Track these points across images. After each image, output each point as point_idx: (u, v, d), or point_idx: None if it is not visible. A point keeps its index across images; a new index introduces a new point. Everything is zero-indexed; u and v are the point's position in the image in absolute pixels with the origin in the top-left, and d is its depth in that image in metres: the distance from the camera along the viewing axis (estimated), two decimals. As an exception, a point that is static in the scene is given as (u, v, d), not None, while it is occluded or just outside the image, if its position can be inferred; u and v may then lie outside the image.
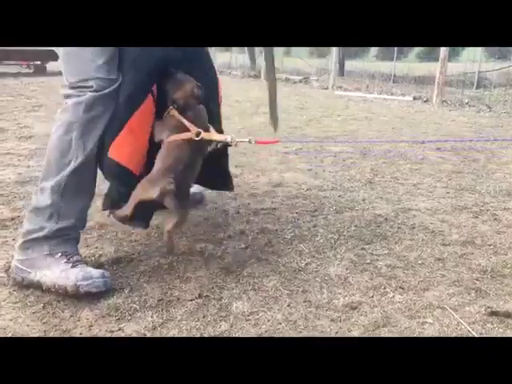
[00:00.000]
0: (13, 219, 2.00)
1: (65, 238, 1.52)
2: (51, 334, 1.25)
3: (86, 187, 1.58)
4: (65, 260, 1.48)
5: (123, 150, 1.56)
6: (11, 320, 1.31)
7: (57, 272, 1.44)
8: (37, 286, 1.46)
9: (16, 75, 8.73)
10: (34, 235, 1.49)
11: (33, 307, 1.37)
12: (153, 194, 1.50)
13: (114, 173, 1.60)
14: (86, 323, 1.31)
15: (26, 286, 1.47)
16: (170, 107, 1.63)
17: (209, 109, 1.73)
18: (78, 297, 1.41)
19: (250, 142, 1.72)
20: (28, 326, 1.29)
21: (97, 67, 1.50)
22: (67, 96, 1.56)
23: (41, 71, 9.60)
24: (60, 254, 1.49)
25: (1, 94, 6.11)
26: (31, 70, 9.90)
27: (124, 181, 1.60)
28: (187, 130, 1.59)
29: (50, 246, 1.49)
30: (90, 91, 1.50)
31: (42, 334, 1.25)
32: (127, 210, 1.55)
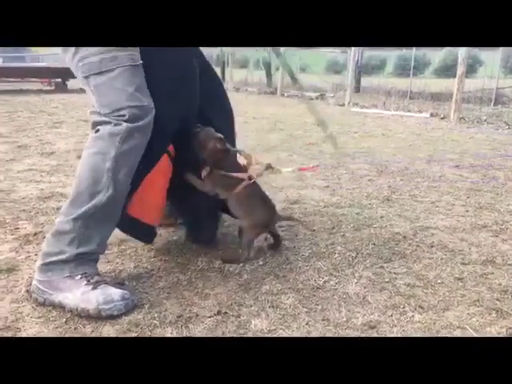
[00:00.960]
0: (35, 234, 2.04)
1: (84, 260, 1.52)
2: (73, 349, 1.27)
3: (112, 218, 1.58)
4: (85, 282, 1.48)
5: (142, 207, 1.69)
6: (34, 335, 1.33)
7: (78, 294, 1.45)
8: (59, 307, 1.47)
9: (37, 92, 8.95)
10: (54, 258, 1.50)
11: (55, 322, 1.40)
12: (264, 231, 1.91)
13: (133, 228, 1.74)
14: (107, 339, 1.32)
15: (49, 306, 1.48)
16: (206, 168, 1.78)
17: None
18: (101, 319, 1.43)
19: (293, 171, 1.91)
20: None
21: (128, 96, 1.50)
22: (99, 123, 1.54)
23: (61, 88, 9.82)
24: (80, 276, 1.49)
25: (23, 111, 6.27)
26: (52, 88, 10.14)
27: (142, 234, 1.77)
28: (236, 178, 1.77)
29: (69, 268, 1.50)
30: (125, 121, 1.50)
31: (64, 349, 1.27)
32: (250, 254, 1.83)
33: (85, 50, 1.50)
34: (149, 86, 1.57)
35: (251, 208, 1.82)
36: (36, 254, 1.86)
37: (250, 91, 12.91)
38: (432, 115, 7.82)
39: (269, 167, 1.86)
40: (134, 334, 1.34)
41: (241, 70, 17.29)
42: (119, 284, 1.60)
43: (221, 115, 1.90)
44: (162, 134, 1.63)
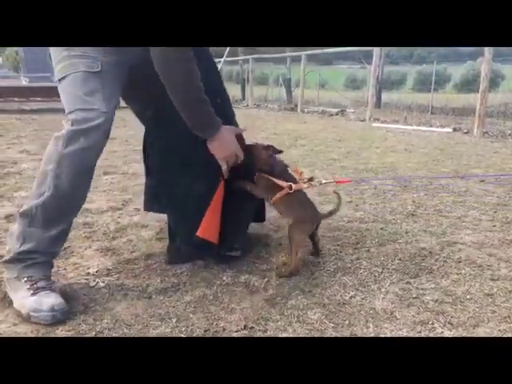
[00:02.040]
0: (63, 249, 2.07)
1: (32, 262, 1.57)
2: (103, 362, 1.29)
3: (57, 218, 1.59)
4: (28, 286, 1.54)
5: (210, 229, 1.88)
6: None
7: (19, 298, 1.54)
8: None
9: (63, 111, 9.18)
10: (6, 257, 1.60)
11: (85, 335, 1.42)
12: (310, 229, 1.97)
13: (203, 247, 1.90)
14: (136, 352, 1.33)
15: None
16: (257, 173, 1.95)
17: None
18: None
19: (332, 182, 2.28)
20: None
21: (77, 99, 1.55)
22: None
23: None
24: (25, 279, 1.56)
25: (50, 130, 6.43)
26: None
27: (208, 252, 1.96)
28: (280, 186, 1.90)
29: (18, 269, 1.57)
30: (71, 124, 1.52)
31: (94, 362, 1.28)
32: (297, 263, 1.88)
33: (55, 59, 1.62)
34: None
35: (296, 208, 1.94)
36: (65, 269, 1.90)
37: (271, 107, 13.00)
38: (455, 130, 7.74)
39: (311, 180, 1.98)
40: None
41: (261, 87, 17.45)
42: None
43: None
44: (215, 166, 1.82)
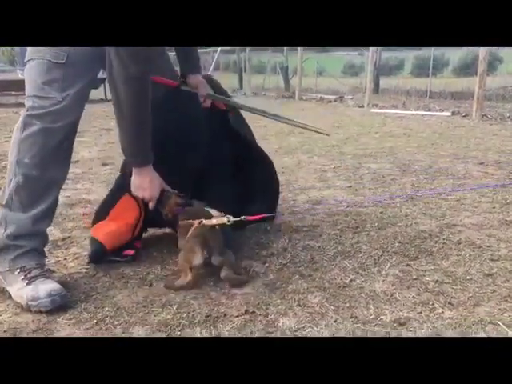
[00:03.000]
0: (64, 239, 2.08)
1: (21, 252, 1.58)
2: (105, 349, 1.29)
3: (34, 200, 1.60)
4: (22, 277, 1.54)
5: (101, 231, 1.86)
6: (67, 336, 1.35)
7: (15, 290, 1.54)
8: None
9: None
10: None
11: (86, 323, 1.42)
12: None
13: (92, 244, 1.87)
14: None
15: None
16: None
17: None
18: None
19: (242, 220, 1.83)
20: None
21: (36, 86, 1.58)
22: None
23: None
24: (19, 271, 1.56)
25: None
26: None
27: (97, 251, 1.84)
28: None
29: (8, 261, 1.57)
30: (27, 110, 1.57)
31: (96, 349, 1.29)
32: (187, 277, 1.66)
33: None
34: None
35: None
36: (65, 259, 1.90)
37: (268, 96, 12.94)
38: (453, 114, 7.72)
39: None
40: (163, 334, 1.36)
41: (258, 76, 17.37)
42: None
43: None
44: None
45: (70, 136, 1.64)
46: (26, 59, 1.63)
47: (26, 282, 1.52)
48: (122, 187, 1.90)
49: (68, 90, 1.59)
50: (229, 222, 1.78)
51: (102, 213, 1.92)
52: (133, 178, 1.77)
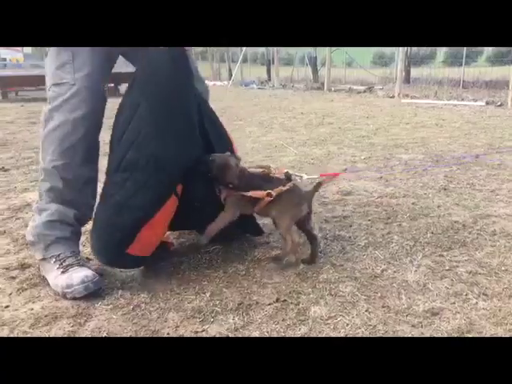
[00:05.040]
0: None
1: (54, 239, 1.62)
2: (141, 334, 1.33)
3: (59, 194, 1.63)
4: (57, 266, 1.60)
5: (141, 244, 1.58)
6: (105, 321, 1.40)
7: (52, 278, 1.60)
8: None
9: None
10: (30, 237, 1.67)
11: (123, 309, 1.47)
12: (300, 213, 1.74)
13: (129, 264, 1.68)
14: (173, 324, 1.38)
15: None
16: (224, 192, 1.72)
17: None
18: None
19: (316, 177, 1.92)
20: (120, 326, 1.38)
21: (51, 74, 1.60)
22: None
23: (114, 93, 10.15)
24: (54, 260, 1.61)
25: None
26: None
27: (132, 265, 1.70)
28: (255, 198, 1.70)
29: (41, 250, 1.63)
30: (48, 104, 1.61)
31: (133, 334, 1.33)
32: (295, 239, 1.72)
33: None
34: (151, 127, 1.57)
35: (280, 211, 1.72)
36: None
37: (297, 87, 12.86)
38: (488, 103, 7.52)
39: (287, 178, 1.76)
40: (197, 320, 1.39)
41: (286, 68, 17.27)
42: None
43: (221, 141, 1.84)
44: (167, 179, 1.59)
45: (91, 129, 1.63)
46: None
47: (61, 270, 1.58)
48: (169, 186, 1.62)
49: (78, 72, 1.58)
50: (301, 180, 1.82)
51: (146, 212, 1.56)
52: None
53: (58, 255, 1.62)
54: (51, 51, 1.60)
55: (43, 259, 1.64)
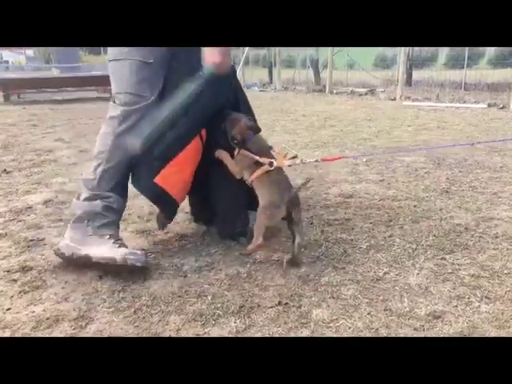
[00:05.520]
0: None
1: (107, 221, 1.76)
2: (142, 337, 1.33)
3: (116, 184, 1.79)
4: (112, 241, 1.73)
5: (168, 180, 1.82)
6: (106, 323, 1.40)
7: (106, 249, 1.69)
8: (85, 260, 1.71)
9: (95, 100, 9.32)
10: (79, 211, 1.77)
11: (125, 312, 1.46)
12: (280, 215, 1.75)
13: (157, 196, 1.86)
14: (174, 327, 1.38)
15: (75, 260, 1.73)
16: (237, 149, 1.87)
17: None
18: (124, 268, 1.63)
19: (317, 161, 1.99)
20: (121, 329, 1.37)
21: (130, 84, 1.73)
22: (111, 106, 1.80)
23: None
24: (108, 237, 1.74)
25: (82, 118, 6.56)
26: (108, 95, 10.50)
27: (165, 204, 1.91)
28: (258, 162, 1.81)
29: (93, 228, 1.74)
30: (122, 104, 1.75)
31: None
32: (258, 240, 1.74)
33: None
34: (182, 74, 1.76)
35: (267, 190, 1.78)
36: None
37: (299, 90, 12.86)
38: (490, 106, 7.50)
39: (294, 157, 1.87)
40: (199, 323, 1.39)
41: (288, 70, 17.27)
42: None
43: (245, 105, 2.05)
44: (195, 117, 1.82)
45: None
46: (111, 58, 1.76)
47: (118, 245, 1.72)
48: (192, 127, 1.85)
49: (156, 90, 1.76)
50: (303, 162, 1.87)
51: (167, 154, 1.80)
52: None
53: (111, 234, 1.75)
54: (130, 63, 1.70)
55: (90, 235, 1.73)
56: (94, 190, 1.77)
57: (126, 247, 1.75)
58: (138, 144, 1.71)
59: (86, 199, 1.78)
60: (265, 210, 1.75)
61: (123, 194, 1.84)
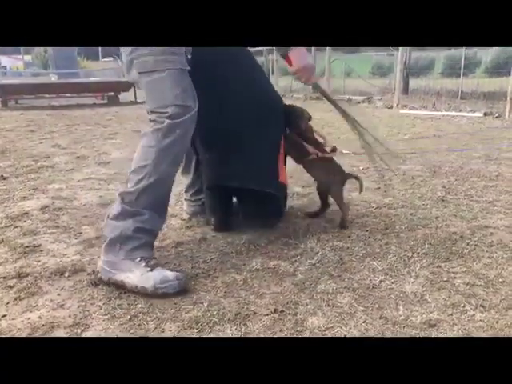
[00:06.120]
0: (97, 238, 2.14)
1: (141, 243, 1.68)
2: (138, 344, 1.33)
3: (155, 202, 1.72)
4: (144, 264, 1.65)
5: (283, 175, 2.15)
6: (102, 330, 1.40)
7: (138, 274, 1.61)
8: (120, 285, 1.63)
9: (92, 106, 9.34)
10: (112, 235, 1.69)
11: (120, 319, 1.46)
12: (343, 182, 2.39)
13: (283, 192, 2.23)
14: (170, 334, 1.38)
15: (112, 284, 1.66)
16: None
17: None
18: (156, 297, 1.58)
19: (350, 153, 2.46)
20: (117, 336, 1.37)
21: (174, 96, 1.65)
22: (150, 121, 1.71)
23: (114, 101, 10.20)
24: (139, 259, 1.66)
25: (80, 124, 6.57)
26: (105, 101, 10.54)
27: (284, 192, 2.26)
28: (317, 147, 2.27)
29: (125, 251, 1.67)
30: (167, 117, 1.65)
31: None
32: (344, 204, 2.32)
33: (142, 50, 1.64)
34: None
35: (338, 168, 2.33)
36: (99, 257, 1.95)
37: (296, 97, 12.91)
38: (486, 114, 7.55)
39: (335, 149, 2.35)
40: (195, 331, 1.39)
41: (286, 77, 17.33)
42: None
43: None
44: (281, 122, 2.18)
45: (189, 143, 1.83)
46: (144, 70, 1.66)
47: (149, 268, 1.63)
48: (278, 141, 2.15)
49: (196, 99, 1.72)
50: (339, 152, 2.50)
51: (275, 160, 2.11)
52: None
53: (143, 257, 1.68)
54: (170, 73, 1.65)
55: (123, 259, 1.66)
56: (132, 205, 1.68)
57: (161, 266, 1.70)
58: None
59: (118, 216, 1.69)
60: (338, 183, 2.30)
61: (161, 211, 1.76)
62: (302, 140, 2.22)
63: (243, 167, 2.02)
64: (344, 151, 2.19)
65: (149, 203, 1.69)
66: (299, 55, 2.00)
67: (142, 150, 1.72)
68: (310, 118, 2.30)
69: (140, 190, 1.68)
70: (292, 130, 2.24)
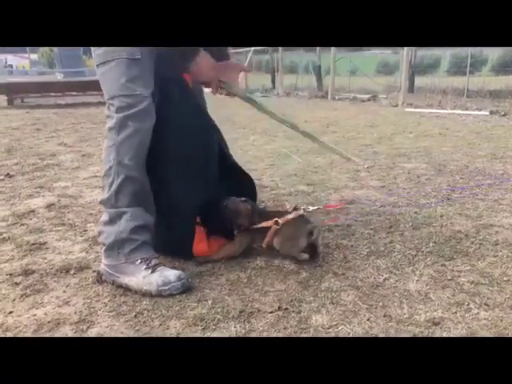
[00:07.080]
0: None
1: (137, 245, 1.67)
2: (143, 341, 1.34)
3: (135, 198, 1.68)
4: (145, 266, 1.65)
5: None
6: (107, 327, 1.41)
7: (140, 278, 1.61)
8: (126, 288, 1.64)
9: (97, 105, 9.35)
10: (109, 240, 1.68)
11: (126, 316, 1.47)
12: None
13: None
14: (175, 332, 1.38)
15: (118, 287, 1.66)
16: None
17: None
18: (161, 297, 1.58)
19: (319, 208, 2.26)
20: (122, 333, 1.38)
21: (120, 86, 1.62)
22: (106, 117, 1.70)
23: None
24: (139, 261, 1.66)
25: (85, 122, 6.60)
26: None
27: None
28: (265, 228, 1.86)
29: (124, 255, 1.66)
30: (115, 111, 1.63)
31: (134, 341, 1.34)
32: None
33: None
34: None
35: (291, 237, 1.85)
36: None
37: (301, 95, 12.90)
38: (492, 113, 7.51)
39: (295, 209, 1.93)
40: (199, 328, 1.40)
41: (290, 76, 17.32)
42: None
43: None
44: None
45: (150, 135, 1.72)
46: (97, 62, 1.66)
47: (150, 270, 1.63)
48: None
49: (149, 88, 1.67)
50: (307, 211, 2.01)
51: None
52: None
53: (143, 258, 1.67)
54: (117, 63, 1.61)
55: (124, 263, 1.66)
56: (115, 208, 1.67)
57: (162, 266, 1.69)
58: None
59: (108, 222, 1.69)
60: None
61: (147, 205, 1.73)
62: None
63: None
64: (311, 208, 2.24)
65: (130, 200, 1.67)
66: (199, 71, 1.76)
67: (104, 153, 1.70)
68: (248, 211, 1.89)
69: (115, 191, 1.66)
70: (236, 227, 1.93)
